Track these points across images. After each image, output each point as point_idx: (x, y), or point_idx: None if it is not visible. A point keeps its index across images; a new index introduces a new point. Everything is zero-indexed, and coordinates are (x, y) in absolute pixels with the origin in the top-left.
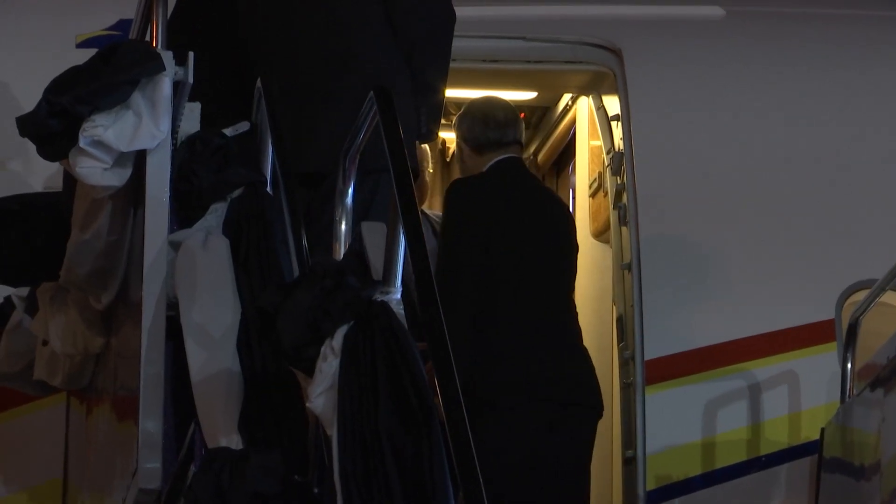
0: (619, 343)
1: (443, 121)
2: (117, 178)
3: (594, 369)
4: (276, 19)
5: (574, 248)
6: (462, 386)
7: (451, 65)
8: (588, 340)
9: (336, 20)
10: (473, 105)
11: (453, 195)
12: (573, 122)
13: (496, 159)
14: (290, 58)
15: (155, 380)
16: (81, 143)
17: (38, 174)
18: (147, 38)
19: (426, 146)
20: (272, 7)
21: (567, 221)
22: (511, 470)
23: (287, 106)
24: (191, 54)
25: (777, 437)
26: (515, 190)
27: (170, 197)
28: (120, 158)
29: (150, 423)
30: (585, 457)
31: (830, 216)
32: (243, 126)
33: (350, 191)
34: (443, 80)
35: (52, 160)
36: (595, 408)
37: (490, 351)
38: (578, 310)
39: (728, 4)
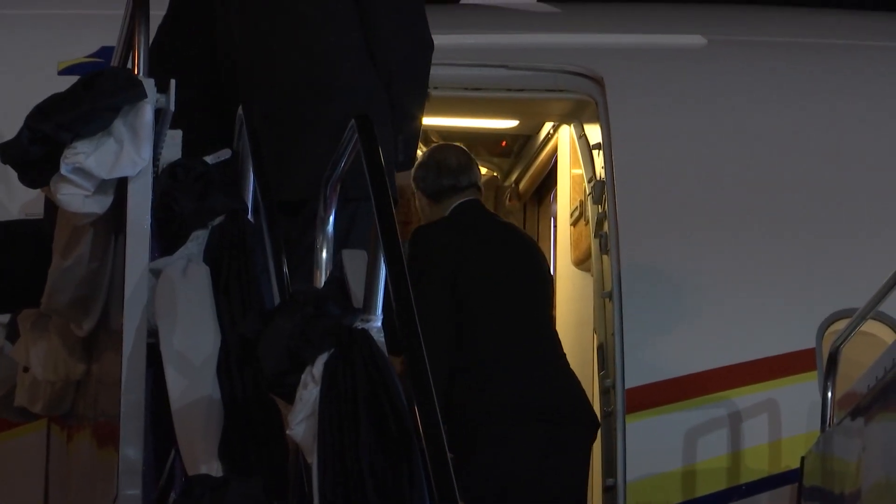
0: (599, 371)
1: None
2: (98, 205)
3: (583, 387)
4: (256, 48)
5: (547, 277)
6: (449, 414)
7: (434, 93)
8: None
9: (316, 49)
10: (427, 154)
11: (418, 239)
12: (555, 150)
13: (455, 203)
14: (270, 87)
15: (135, 407)
16: (63, 171)
17: (19, 201)
18: (129, 66)
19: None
20: (252, 36)
21: (534, 252)
22: (509, 493)
23: (267, 134)
24: (172, 81)
25: (757, 465)
26: (479, 228)
27: (151, 224)
28: (101, 185)
29: (131, 449)
30: (583, 476)
31: (812, 245)
32: (224, 153)
33: (331, 218)
34: (420, 108)
35: (34, 187)
36: (590, 426)
37: (476, 381)
38: (560, 338)
39: (709, 33)
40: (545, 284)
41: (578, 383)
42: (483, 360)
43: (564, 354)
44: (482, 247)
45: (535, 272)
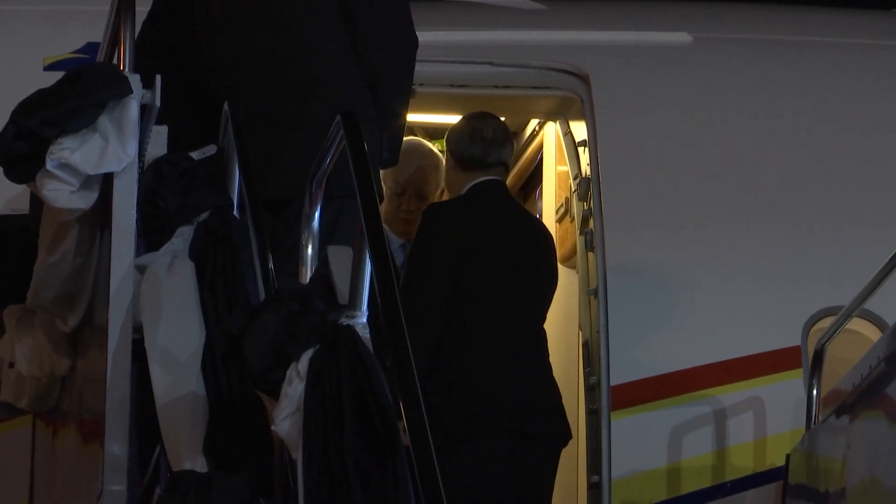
0: (584, 369)
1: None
2: (84, 200)
3: (561, 398)
4: (240, 46)
5: (552, 277)
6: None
7: (419, 90)
8: (554, 366)
9: (300, 47)
10: (466, 117)
11: (426, 220)
12: (540, 147)
13: (477, 181)
14: (255, 84)
15: (120, 403)
16: (48, 166)
17: (4, 196)
18: (114, 61)
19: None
20: (235, 33)
21: (545, 250)
22: (472, 495)
23: (252, 132)
24: (158, 77)
25: (742, 462)
26: (491, 216)
27: (136, 220)
28: (87, 181)
29: (116, 445)
30: (547, 485)
31: (798, 242)
32: (210, 149)
33: (316, 215)
34: (405, 105)
35: (19, 182)
36: (560, 438)
37: (453, 381)
38: (546, 340)
39: (695, 30)
40: (547, 283)
41: (557, 395)
42: (464, 358)
43: (548, 359)
44: (490, 235)
45: (538, 269)
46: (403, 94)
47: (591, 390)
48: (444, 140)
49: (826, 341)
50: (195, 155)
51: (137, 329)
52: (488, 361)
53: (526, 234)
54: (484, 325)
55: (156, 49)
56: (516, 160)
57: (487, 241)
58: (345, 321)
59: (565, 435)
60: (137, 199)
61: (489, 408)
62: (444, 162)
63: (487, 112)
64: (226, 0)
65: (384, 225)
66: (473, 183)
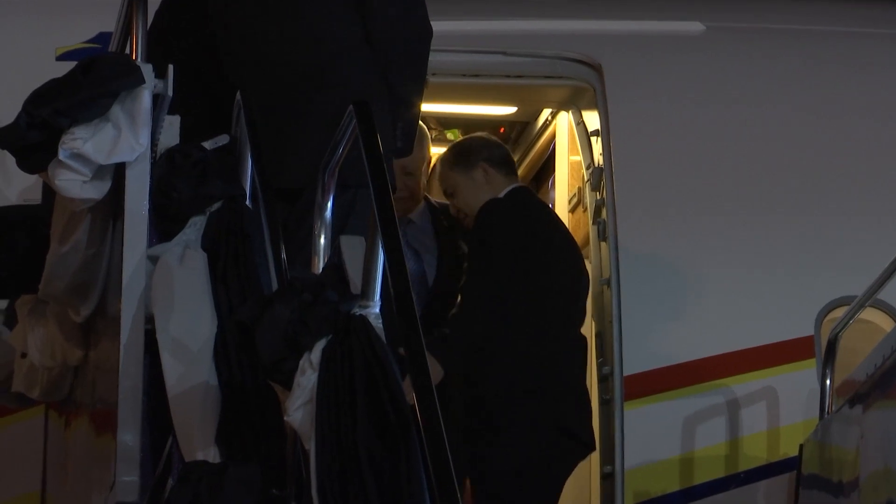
0: (598, 359)
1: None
2: (96, 190)
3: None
4: (253, 36)
5: (587, 280)
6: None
7: (431, 79)
8: None
9: (313, 36)
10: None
11: (491, 211)
12: (553, 137)
13: (512, 186)
14: (267, 74)
15: (133, 393)
16: (61, 156)
17: (17, 186)
18: (127, 51)
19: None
20: (248, 24)
21: (579, 253)
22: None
23: (264, 122)
24: (170, 67)
25: (756, 453)
26: (542, 215)
27: (149, 210)
28: (99, 171)
29: (128, 436)
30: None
31: (811, 232)
32: (222, 139)
33: (329, 205)
34: (419, 95)
35: (32, 172)
36: (588, 446)
37: (503, 370)
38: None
39: (708, 20)
40: (587, 286)
41: (589, 405)
42: (516, 349)
43: (583, 369)
44: (545, 234)
45: (582, 271)
46: (417, 84)
47: (604, 380)
48: (479, 151)
49: (839, 331)
50: (208, 145)
51: (150, 319)
52: (538, 354)
53: (567, 236)
54: (535, 319)
55: (168, 38)
56: (529, 150)
57: (544, 242)
58: (358, 311)
59: (592, 444)
60: (150, 189)
61: (533, 398)
62: (427, 137)
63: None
64: None
65: None
66: (511, 188)
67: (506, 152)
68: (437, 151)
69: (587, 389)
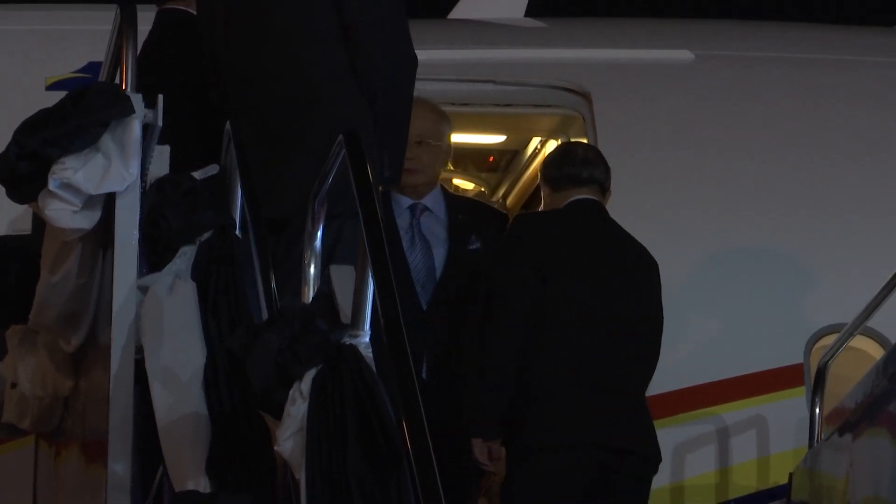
0: None
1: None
2: (86, 220)
3: (651, 419)
4: (241, 65)
5: (651, 299)
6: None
7: None
8: None
9: (300, 66)
10: (556, 147)
11: (516, 223)
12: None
13: (573, 198)
14: (256, 104)
15: (123, 422)
16: (51, 186)
17: (7, 217)
18: (117, 81)
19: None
20: (237, 53)
21: (646, 273)
22: None
23: (253, 150)
24: (160, 97)
25: (746, 481)
26: (584, 230)
27: (139, 240)
28: (89, 201)
29: (119, 465)
30: None
31: (800, 259)
32: (212, 169)
33: (319, 234)
34: (406, 124)
35: (22, 202)
36: (650, 459)
37: (533, 391)
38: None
39: (696, 48)
40: (645, 305)
41: (647, 414)
42: (550, 379)
43: (641, 380)
44: (585, 250)
45: (635, 290)
46: (404, 113)
47: None
48: (539, 170)
49: (829, 359)
50: (197, 174)
51: (139, 349)
52: (569, 372)
53: (622, 251)
54: (566, 338)
55: (158, 67)
56: (518, 178)
57: (576, 252)
58: (348, 340)
59: (656, 456)
60: (140, 219)
61: (573, 417)
62: (448, 120)
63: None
64: (229, 18)
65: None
66: (569, 200)
67: None
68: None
69: (631, 394)
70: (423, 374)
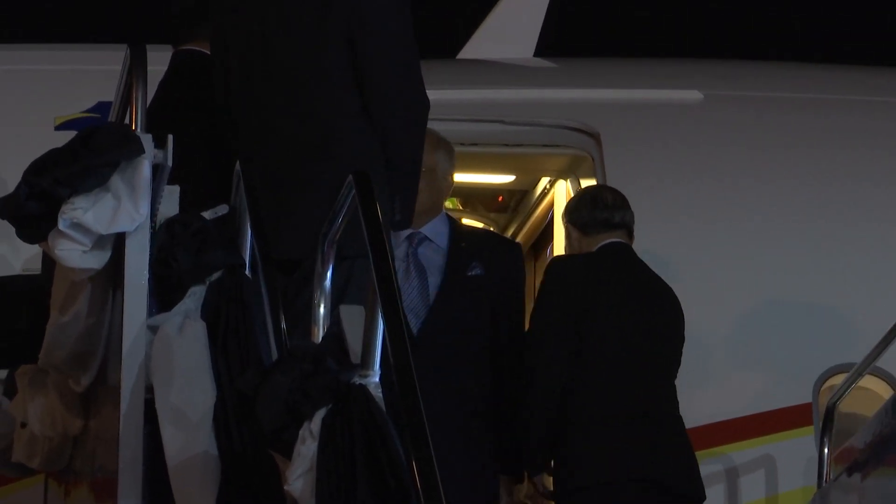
0: None
1: None
2: (96, 260)
3: (694, 456)
4: (253, 106)
5: (678, 338)
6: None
7: None
8: None
9: (313, 108)
10: (582, 190)
11: (551, 269)
12: (551, 205)
13: (604, 242)
14: (268, 145)
15: (133, 462)
16: (61, 226)
17: (17, 256)
18: (126, 121)
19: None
20: (248, 94)
21: (673, 312)
22: None
23: (265, 191)
24: (170, 137)
25: None
26: (617, 272)
27: (149, 280)
28: (99, 241)
29: None
30: None
31: (809, 300)
32: (222, 209)
33: (329, 274)
34: (417, 167)
35: (32, 242)
36: (694, 499)
37: (574, 428)
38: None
39: (706, 88)
40: (672, 344)
41: (692, 453)
42: (591, 416)
43: (679, 418)
44: (620, 291)
45: (664, 331)
46: (416, 155)
47: None
48: (563, 216)
49: (837, 400)
50: (207, 215)
51: (149, 389)
52: (615, 420)
53: (652, 293)
54: (607, 376)
55: (170, 108)
56: (527, 218)
57: (611, 295)
58: (357, 381)
59: (703, 497)
60: (150, 259)
61: (621, 456)
62: (452, 150)
63: (599, 184)
64: (242, 60)
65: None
66: (601, 244)
67: None
68: None
69: (671, 432)
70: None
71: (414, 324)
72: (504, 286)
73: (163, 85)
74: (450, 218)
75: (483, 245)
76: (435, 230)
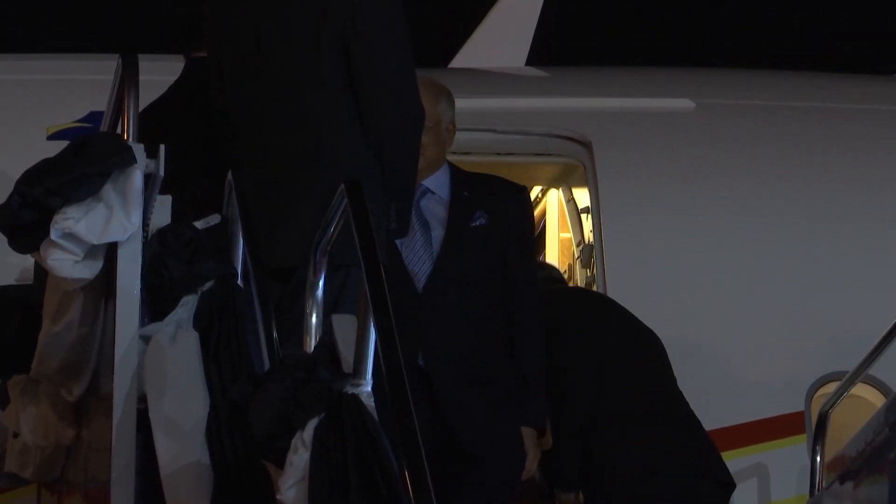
0: None
1: None
2: (88, 270)
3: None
4: (248, 115)
5: (664, 353)
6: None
7: None
8: None
9: (307, 116)
10: None
11: (554, 302)
12: (543, 214)
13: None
14: (261, 153)
15: (125, 472)
16: (53, 236)
17: (9, 266)
18: (118, 131)
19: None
20: (242, 102)
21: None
22: None
23: (258, 200)
24: (161, 147)
25: None
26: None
27: (141, 289)
28: (91, 251)
29: None
30: None
31: (802, 308)
32: (214, 219)
33: (321, 283)
34: (413, 176)
35: (24, 252)
36: (728, 485)
37: (615, 431)
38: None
39: (698, 97)
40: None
41: (713, 443)
42: (624, 415)
43: (690, 415)
44: (615, 315)
45: (655, 344)
46: (410, 164)
47: None
48: None
49: (829, 408)
50: (199, 224)
51: (142, 399)
52: (645, 420)
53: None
54: (629, 389)
55: (164, 119)
56: None
57: (615, 321)
58: (350, 390)
59: (732, 482)
60: (142, 269)
61: (653, 452)
62: (451, 97)
63: None
64: (237, 67)
65: None
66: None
67: None
68: None
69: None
70: (420, 361)
71: (419, 279)
72: (511, 235)
73: (166, 94)
74: (451, 166)
75: (486, 193)
76: (437, 182)
